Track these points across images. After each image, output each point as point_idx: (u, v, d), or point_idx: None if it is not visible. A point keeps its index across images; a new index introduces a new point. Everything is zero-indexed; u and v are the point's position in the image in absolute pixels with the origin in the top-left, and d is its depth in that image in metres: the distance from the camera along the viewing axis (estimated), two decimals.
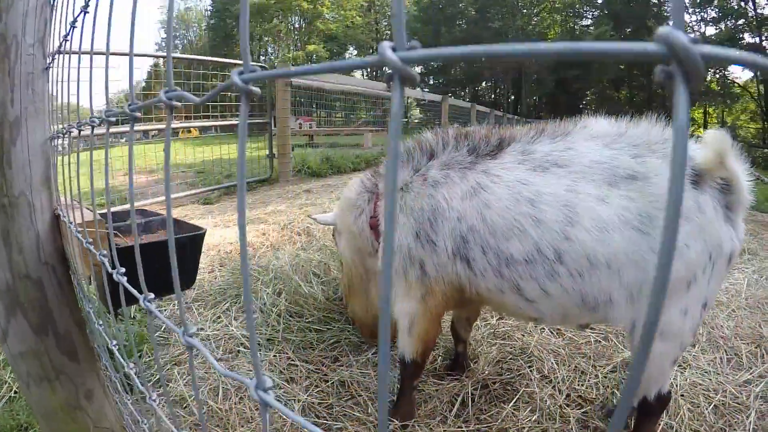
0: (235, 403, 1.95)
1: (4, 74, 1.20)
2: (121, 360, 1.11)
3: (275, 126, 7.29)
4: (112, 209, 1.07)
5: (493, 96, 44.59)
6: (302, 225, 4.04)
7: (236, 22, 42.53)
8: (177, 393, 1.99)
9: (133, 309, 2.47)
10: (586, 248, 1.47)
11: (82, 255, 1.15)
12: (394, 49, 0.37)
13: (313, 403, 2.00)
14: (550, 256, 1.50)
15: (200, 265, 3.16)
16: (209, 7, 52.47)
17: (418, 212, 1.70)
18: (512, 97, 43.17)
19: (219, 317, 2.59)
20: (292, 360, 2.25)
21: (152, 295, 0.74)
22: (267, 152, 7.33)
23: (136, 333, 2.27)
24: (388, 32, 47.93)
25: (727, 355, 2.47)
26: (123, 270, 0.88)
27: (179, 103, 0.63)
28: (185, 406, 1.95)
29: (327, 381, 2.12)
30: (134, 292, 0.79)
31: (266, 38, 46.15)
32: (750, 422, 1.93)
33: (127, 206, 3.68)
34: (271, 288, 2.81)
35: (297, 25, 46.44)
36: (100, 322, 1.30)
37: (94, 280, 1.27)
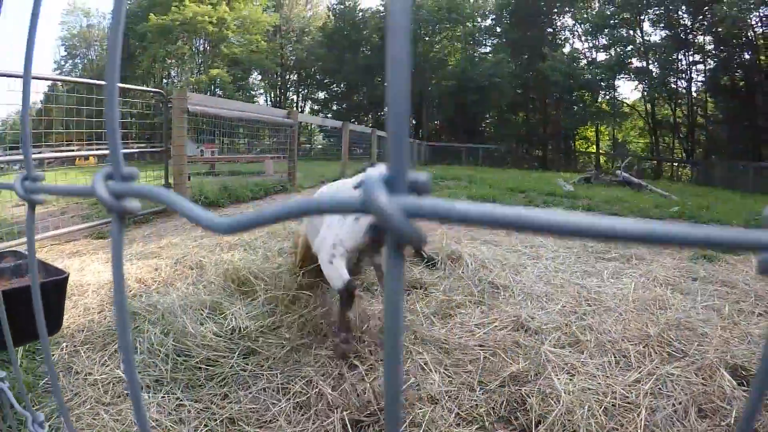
0: None
1: None
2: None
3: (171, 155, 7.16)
4: None
5: None
6: (195, 259, 4.05)
7: (139, 42, 41.27)
8: None
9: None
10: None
11: None
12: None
13: None
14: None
15: (91, 305, 3.13)
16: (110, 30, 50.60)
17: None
18: (414, 122, 44.12)
19: (105, 361, 2.54)
20: (181, 400, 2.21)
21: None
22: (163, 182, 7.18)
23: (23, 381, 2.20)
24: (293, 57, 47.99)
25: (615, 357, 2.60)
26: None
27: (41, 199, 0.59)
28: None
29: (216, 419, 2.10)
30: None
31: (169, 60, 44.96)
32: (641, 419, 2.04)
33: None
34: (159, 328, 2.78)
35: (201, 48, 45.54)
36: None
37: None
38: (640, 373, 2.43)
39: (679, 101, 35.92)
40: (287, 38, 47.60)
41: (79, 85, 7.17)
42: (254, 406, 2.19)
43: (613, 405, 2.14)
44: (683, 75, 35.50)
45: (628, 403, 2.17)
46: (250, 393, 2.28)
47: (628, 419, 2.07)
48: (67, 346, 2.60)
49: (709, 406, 2.16)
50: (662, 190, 13.68)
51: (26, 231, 0.60)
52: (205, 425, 2.06)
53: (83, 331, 2.78)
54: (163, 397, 2.21)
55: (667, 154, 38.04)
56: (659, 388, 2.30)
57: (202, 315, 2.93)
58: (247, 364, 2.49)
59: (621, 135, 41.47)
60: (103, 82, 6.36)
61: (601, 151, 40.21)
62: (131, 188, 0.36)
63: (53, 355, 2.56)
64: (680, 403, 2.17)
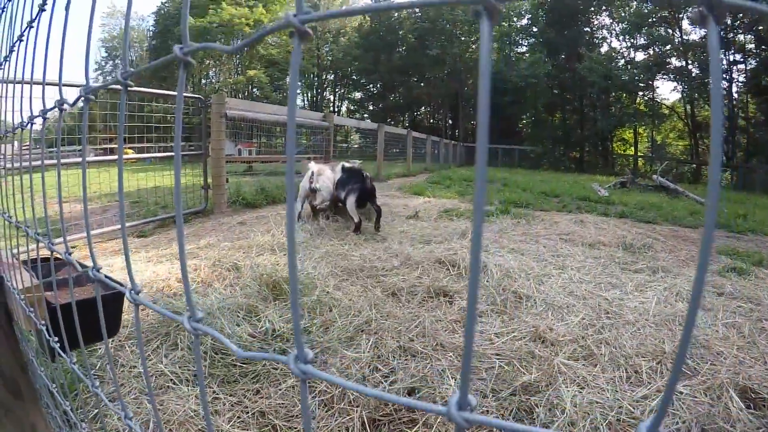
0: None
1: None
2: (60, 399, 1.32)
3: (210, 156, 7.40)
4: (48, 256, 1.30)
5: (431, 121, 45.39)
6: (231, 260, 4.25)
7: (177, 43, 41.90)
8: (112, 426, 2.15)
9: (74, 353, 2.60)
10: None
11: (26, 316, 1.37)
12: (295, 15, 0.49)
13: None
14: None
15: None
16: (152, 28, 51.75)
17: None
18: (450, 122, 44.05)
19: (149, 355, 2.71)
20: (217, 393, 2.35)
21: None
22: (202, 183, 7.45)
23: (73, 375, 2.39)
24: (330, 58, 48.33)
25: (627, 372, 2.61)
26: (56, 339, 1.11)
27: (193, 61, 0.65)
28: None
29: (248, 412, 2.24)
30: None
31: (207, 61, 45.75)
32: None
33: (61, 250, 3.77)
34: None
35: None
36: (41, 367, 1.50)
37: (35, 334, 1.47)
38: (649, 389, 2.45)
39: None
40: (324, 39, 47.97)
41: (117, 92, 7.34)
42: (283, 402, 2.31)
43: (618, 420, 2.18)
44: (724, 75, 34.73)
45: (633, 418, 2.21)
46: (279, 390, 2.40)
47: None
48: (113, 341, 2.76)
49: (712, 427, 2.16)
50: (699, 197, 13.46)
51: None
52: (238, 417, 2.21)
53: (127, 327, 2.93)
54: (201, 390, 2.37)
55: (707, 157, 37.26)
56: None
57: (238, 317, 3.10)
58: (279, 364, 2.60)
59: (660, 137, 40.77)
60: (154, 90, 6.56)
61: (639, 153, 39.57)
62: (313, 16, 0.51)
63: (99, 349, 2.74)
64: (684, 422, 2.19)
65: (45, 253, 1.93)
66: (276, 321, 3.02)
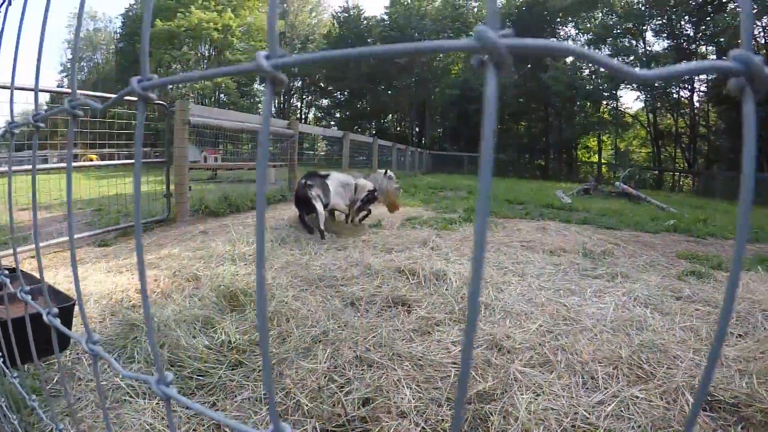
0: None
1: None
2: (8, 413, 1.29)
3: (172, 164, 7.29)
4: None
5: (398, 128, 45.59)
6: (191, 271, 4.20)
7: (137, 77, 41.36)
8: None
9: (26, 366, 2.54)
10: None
11: None
12: (267, 57, 0.44)
13: None
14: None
15: (92, 314, 3.27)
16: (119, 30, 50.96)
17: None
18: (417, 130, 44.30)
19: (106, 369, 2.65)
20: (173, 406, 2.30)
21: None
22: (164, 191, 7.31)
23: (29, 386, 2.35)
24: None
25: (583, 378, 2.64)
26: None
27: (81, 113, 0.66)
28: None
29: (203, 425, 2.22)
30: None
31: (175, 66, 45.23)
32: None
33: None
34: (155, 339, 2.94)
35: (207, 54, 45.76)
36: None
37: None
38: (605, 395, 2.47)
39: (682, 111, 36.11)
40: (292, 45, 47.83)
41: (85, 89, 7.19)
42: (238, 414, 2.31)
43: (572, 426, 2.20)
44: (685, 85, 35.76)
45: (588, 424, 2.22)
46: (235, 402, 2.39)
47: None
48: (70, 354, 2.71)
49: (667, 431, 2.20)
50: (660, 203, 13.76)
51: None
52: (193, 430, 2.19)
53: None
54: (157, 403, 2.33)
55: (669, 164, 38.19)
56: (621, 411, 2.34)
57: (195, 328, 3.06)
58: (234, 376, 2.61)
59: (623, 145, 41.67)
60: (98, 94, 6.43)
61: (603, 160, 40.34)
62: (286, 61, 0.45)
63: (55, 364, 2.69)
64: (639, 426, 2.22)
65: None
66: (232, 333, 2.99)
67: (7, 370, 1.16)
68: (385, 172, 7.85)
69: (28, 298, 0.84)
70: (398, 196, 8.01)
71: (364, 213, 7.38)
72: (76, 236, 4.77)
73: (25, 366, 2.55)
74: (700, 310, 3.90)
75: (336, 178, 6.84)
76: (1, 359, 1.10)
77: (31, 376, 2.49)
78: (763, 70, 0.36)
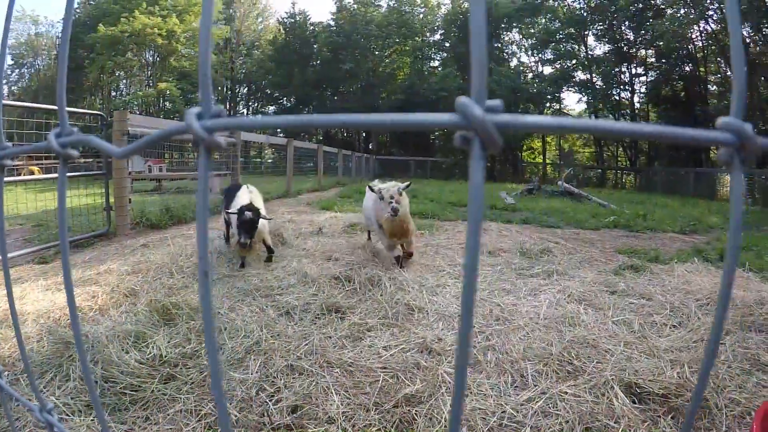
0: None
1: None
2: None
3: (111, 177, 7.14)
4: None
5: (345, 134, 45.52)
6: (129, 286, 4.15)
7: (87, 53, 40.26)
8: None
9: None
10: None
11: None
12: (200, 117, 0.38)
13: None
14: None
15: (30, 334, 3.22)
16: (60, 35, 49.22)
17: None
18: (363, 135, 44.33)
19: (43, 389, 2.61)
20: (108, 422, 2.33)
21: None
22: (104, 203, 7.17)
23: None
24: (243, 71, 47.66)
25: (512, 377, 2.71)
26: None
27: (74, 153, 0.54)
28: None
29: None
30: None
31: (118, 72, 44.07)
32: None
33: None
34: (89, 356, 2.92)
35: (151, 60, 44.71)
36: None
37: None
38: (533, 392, 2.54)
39: (623, 112, 37.15)
40: (238, 51, 47.24)
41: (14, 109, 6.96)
42: (171, 427, 2.32)
43: (499, 425, 2.26)
44: (626, 87, 36.93)
45: (516, 422, 2.29)
46: (168, 415, 2.41)
47: None
48: (8, 374, 2.68)
49: (596, 425, 2.26)
50: (602, 200, 14.10)
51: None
52: None
53: (21, 361, 2.85)
54: (92, 420, 2.33)
55: (612, 163, 39.24)
56: (549, 407, 2.41)
57: (127, 344, 3.03)
58: (167, 389, 2.61)
59: (567, 145, 42.58)
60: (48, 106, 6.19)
61: (547, 161, 41.16)
62: (221, 123, 0.39)
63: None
64: (567, 422, 2.27)
65: None
66: (164, 347, 2.98)
67: None
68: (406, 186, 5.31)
69: None
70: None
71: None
72: (14, 253, 4.61)
73: None
74: (634, 303, 4.04)
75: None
76: None
77: None
78: (755, 140, 0.34)
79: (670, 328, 3.51)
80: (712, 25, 29.53)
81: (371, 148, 41.02)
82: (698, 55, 32.20)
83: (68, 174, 3.81)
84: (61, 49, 0.56)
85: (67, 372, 2.74)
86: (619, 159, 39.32)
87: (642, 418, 2.34)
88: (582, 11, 37.19)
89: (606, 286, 4.53)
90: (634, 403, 2.46)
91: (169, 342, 3.06)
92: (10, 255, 5.23)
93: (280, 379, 2.67)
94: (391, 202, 4.75)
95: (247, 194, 5.43)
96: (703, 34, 31.23)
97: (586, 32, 37.57)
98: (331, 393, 2.53)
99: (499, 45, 41.02)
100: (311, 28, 44.75)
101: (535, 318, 3.62)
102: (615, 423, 2.28)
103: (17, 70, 47.73)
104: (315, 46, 43.48)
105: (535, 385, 2.62)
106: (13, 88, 45.89)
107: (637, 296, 4.23)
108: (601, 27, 36.56)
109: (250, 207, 4.87)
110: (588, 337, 3.23)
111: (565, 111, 40.33)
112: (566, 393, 2.53)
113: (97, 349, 2.97)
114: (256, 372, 2.76)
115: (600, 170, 37.56)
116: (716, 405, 2.43)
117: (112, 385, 2.66)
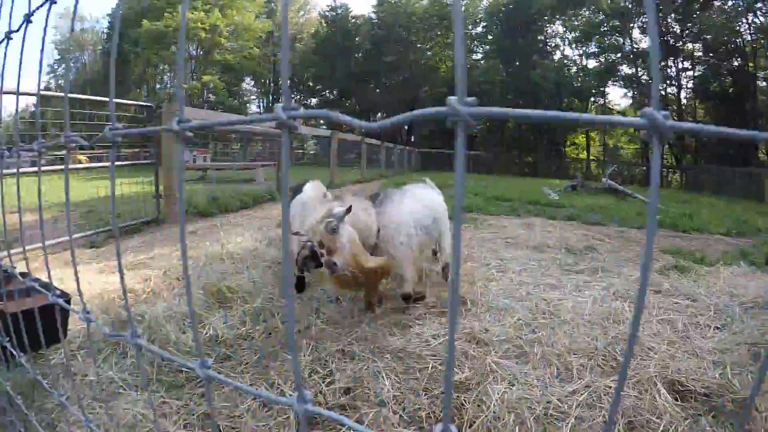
0: None
1: None
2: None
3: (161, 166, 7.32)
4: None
5: None
6: (180, 271, 4.28)
7: (132, 47, 41.26)
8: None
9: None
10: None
11: None
12: (284, 109, 0.52)
13: None
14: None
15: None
16: (106, 30, 50.54)
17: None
18: (406, 128, 44.35)
19: (100, 364, 2.72)
20: (164, 398, 2.43)
21: None
22: (153, 192, 7.39)
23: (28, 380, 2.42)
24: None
25: (557, 369, 2.73)
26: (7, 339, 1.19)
27: (191, 134, 0.63)
28: None
29: (194, 414, 2.33)
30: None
31: (162, 66, 45.02)
32: (568, 428, 2.18)
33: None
34: (146, 336, 3.04)
35: (195, 54, 45.48)
36: None
37: None
38: (578, 385, 2.55)
39: (669, 107, 36.31)
40: (279, 45, 47.55)
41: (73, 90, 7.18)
42: (226, 404, 2.40)
43: (544, 414, 2.28)
44: (673, 82, 35.97)
45: (561, 413, 2.30)
46: (223, 393, 2.49)
47: (557, 427, 2.21)
48: (65, 351, 2.81)
49: (638, 419, 2.27)
50: (647, 198, 13.79)
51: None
52: (183, 419, 2.30)
53: (79, 337, 2.99)
54: (149, 395, 2.44)
55: None
56: (593, 400, 2.42)
57: (184, 324, 3.16)
58: (222, 369, 2.72)
59: (612, 141, 41.82)
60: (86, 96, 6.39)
61: (591, 157, 40.52)
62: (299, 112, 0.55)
63: (52, 358, 2.78)
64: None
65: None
66: (219, 328, 3.09)
67: (27, 364, 1.25)
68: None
69: (36, 285, 0.94)
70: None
71: None
72: (66, 238, 4.80)
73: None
74: (679, 303, 3.99)
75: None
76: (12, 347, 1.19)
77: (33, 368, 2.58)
78: (665, 126, 0.44)
79: (713, 329, 3.46)
80: (761, 18, 28.64)
81: (413, 142, 40.98)
82: (747, 49, 31.19)
83: (119, 164, 3.97)
84: (111, 51, 0.59)
85: (124, 350, 2.86)
86: (665, 156, 38.45)
87: (684, 415, 2.34)
88: (627, 3, 36.37)
89: (650, 285, 4.44)
90: (676, 400, 2.46)
91: (224, 324, 3.17)
92: (62, 239, 5.40)
93: (332, 363, 2.75)
94: (322, 255, 2.99)
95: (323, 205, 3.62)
96: (752, 27, 30.29)
97: (631, 24, 36.75)
98: (382, 377, 2.59)
99: (543, 37, 40.55)
100: (353, 20, 44.90)
101: (581, 313, 3.61)
102: (657, 418, 2.29)
103: (64, 65, 49.04)
104: (357, 38, 43.64)
105: (580, 378, 2.63)
106: (60, 81, 47.14)
107: (682, 297, 4.16)
108: (647, 19, 35.80)
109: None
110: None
111: (609, 107, 39.58)
112: (610, 387, 2.54)
113: (155, 329, 3.11)
114: (309, 355, 2.84)
115: (645, 167, 36.79)
116: (756, 408, 2.41)
117: (169, 363, 2.76)
